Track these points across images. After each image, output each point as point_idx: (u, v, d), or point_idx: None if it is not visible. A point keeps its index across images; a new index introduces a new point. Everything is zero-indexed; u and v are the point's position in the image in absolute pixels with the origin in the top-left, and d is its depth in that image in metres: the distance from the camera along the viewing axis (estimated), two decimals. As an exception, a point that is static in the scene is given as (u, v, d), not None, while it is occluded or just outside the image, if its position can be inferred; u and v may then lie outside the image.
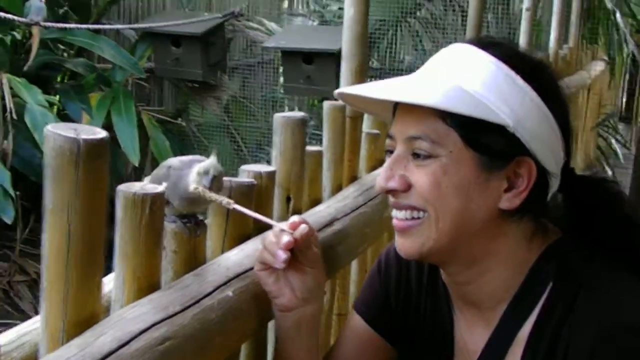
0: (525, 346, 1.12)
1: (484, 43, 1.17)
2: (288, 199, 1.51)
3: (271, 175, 1.40)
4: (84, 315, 0.96)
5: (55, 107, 5.20)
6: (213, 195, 1.15)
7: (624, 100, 9.38)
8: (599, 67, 6.32)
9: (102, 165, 0.95)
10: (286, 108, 6.28)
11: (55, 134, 0.92)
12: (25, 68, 4.98)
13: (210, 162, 1.17)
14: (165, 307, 1.01)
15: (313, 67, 5.38)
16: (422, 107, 1.09)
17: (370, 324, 1.32)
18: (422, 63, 1.21)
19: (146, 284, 1.06)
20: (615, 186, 1.23)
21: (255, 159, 5.94)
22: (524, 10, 4.05)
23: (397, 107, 1.16)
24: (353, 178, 1.84)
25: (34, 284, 4.79)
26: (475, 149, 1.09)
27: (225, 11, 6.21)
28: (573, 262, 1.13)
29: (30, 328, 1.23)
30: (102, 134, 0.95)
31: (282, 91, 6.02)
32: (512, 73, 1.12)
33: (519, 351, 1.12)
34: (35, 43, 4.94)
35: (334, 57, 4.62)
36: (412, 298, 1.29)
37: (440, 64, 1.17)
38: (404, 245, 1.16)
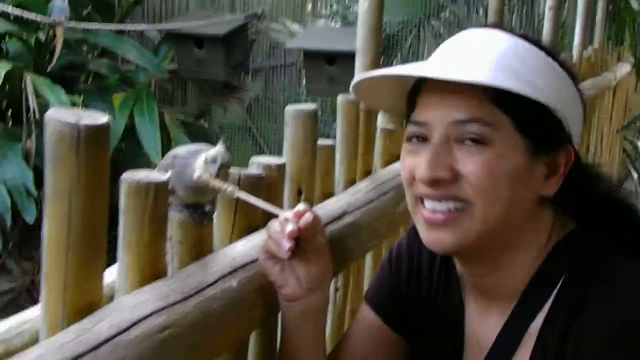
0: (537, 339, 1.09)
1: (503, 28, 1.14)
2: (299, 192, 1.49)
3: (281, 167, 1.38)
4: (84, 302, 0.95)
5: (79, 107, 5.23)
6: (217, 183, 1.14)
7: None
8: (624, 69, 6.24)
9: (104, 152, 0.94)
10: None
11: (55, 119, 0.91)
12: (48, 68, 5.03)
13: (218, 150, 1.15)
14: (166, 295, 1.00)
15: (335, 68, 5.37)
16: (467, 87, 1.03)
17: (381, 315, 1.30)
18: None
19: (150, 273, 1.05)
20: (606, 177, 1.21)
21: (277, 160, 5.92)
22: (547, 10, 4.00)
23: (423, 92, 1.10)
24: (367, 173, 1.82)
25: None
26: (525, 133, 1.05)
27: (248, 12, 6.23)
28: (587, 253, 1.10)
29: (32, 316, 1.23)
30: (103, 119, 0.94)
31: (304, 92, 6.01)
32: (548, 56, 1.10)
33: (530, 344, 1.10)
34: (58, 44, 4.98)
35: (356, 57, 4.61)
36: (423, 289, 1.27)
37: (466, 46, 1.11)
38: (441, 239, 1.08)
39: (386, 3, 5.91)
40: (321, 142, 1.58)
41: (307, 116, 1.48)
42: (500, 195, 1.05)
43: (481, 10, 5.67)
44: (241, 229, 1.28)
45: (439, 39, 5.78)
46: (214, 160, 1.14)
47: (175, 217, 1.15)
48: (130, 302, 0.97)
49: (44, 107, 4.56)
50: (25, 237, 5.14)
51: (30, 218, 4.43)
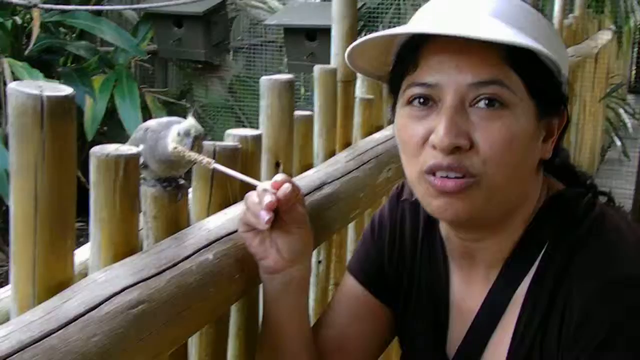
0: (523, 303, 1.08)
1: None
2: (277, 164, 1.47)
3: (257, 139, 1.36)
4: (54, 280, 0.92)
5: (58, 90, 5.16)
6: (193, 155, 1.12)
7: (634, 71, 9.27)
8: (605, 36, 6.23)
9: (69, 124, 0.92)
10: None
11: (18, 91, 0.88)
12: (26, 52, 4.96)
13: (189, 122, 1.12)
14: (139, 270, 0.98)
15: (316, 44, 5.33)
16: (481, 47, 0.97)
17: (365, 284, 1.28)
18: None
19: (123, 249, 1.03)
20: None
21: (260, 138, 5.90)
22: (526, -23, 3.97)
23: (425, 51, 1.02)
24: (347, 144, 1.80)
25: None
26: (535, 96, 1.02)
27: (227, -10, 6.16)
28: (571, 213, 1.08)
29: (3, 296, 1.20)
30: (67, 91, 0.91)
31: (287, 70, 5.97)
32: (539, 13, 1.07)
33: (517, 308, 1.09)
34: (35, 27, 4.91)
35: (337, 32, 4.57)
36: (406, 256, 1.25)
37: (464, 4, 1.05)
38: (454, 207, 1.03)
39: (365, -25, 5.81)
40: (299, 113, 1.56)
41: (283, 86, 1.45)
42: (512, 162, 1.01)
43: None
44: (218, 202, 1.26)
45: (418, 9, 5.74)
46: (187, 133, 1.11)
47: (148, 192, 1.13)
48: (102, 278, 0.94)
49: (22, 91, 4.50)
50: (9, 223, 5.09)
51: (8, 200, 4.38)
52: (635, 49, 8.63)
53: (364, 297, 1.28)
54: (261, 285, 1.31)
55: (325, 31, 5.40)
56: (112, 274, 0.96)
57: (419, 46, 1.03)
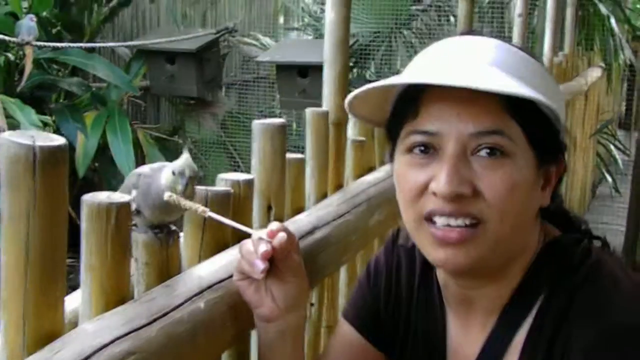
0: (522, 350, 1.07)
1: (481, 34, 1.11)
2: (269, 208, 1.47)
3: (249, 183, 1.36)
4: (44, 330, 0.91)
5: (50, 127, 5.17)
6: (187, 203, 1.11)
7: (623, 106, 9.35)
8: (595, 73, 6.29)
9: (61, 173, 0.91)
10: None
11: (10, 141, 0.88)
12: (18, 89, 4.97)
13: (184, 161, 1.11)
14: (130, 320, 0.97)
15: (308, 80, 5.37)
16: (482, 97, 0.97)
17: (360, 331, 1.27)
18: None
19: (114, 297, 1.02)
20: None
21: (252, 174, 5.90)
22: (516, 17, 4.02)
23: (426, 99, 1.02)
24: (339, 186, 1.80)
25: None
26: (535, 145, 1.02)
27: (219, 27, 6.21)
28: (569, 259, 1.08)
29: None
30: (59, 140, 0.91)
31: (279, 106, 6.00)
32: (538, 61, 1.08)
33: (515, 355, 1.07)
34: (28, 63, 4.94)
35: (329, 69, 4.60)
36: (402, 303, 1.24)
37: (464, 52, 1.05)
38: (456, 258, 1.02)
39: (357, 14, 5.91)
40: (290, 156, 1.56)
41: (275, 130, 1.46)
42: (514, 210, 1.01)
43: (452, 19, 5.68)
44: (210, 248, 1.25)
45: (410, 48, 5.80)
46: (182, 173, 1.11)
47: (140, 239, 1.13)
48: (92, 328, 0.94)
49: (14, 127, 4.50)
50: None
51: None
52: (625, 86, 8.71)
53: (359, 343, 1.27)
54: (253, 332, 1.30)
55: (317, 68, 5.44)
56: (102, 324, 0.95)
57: (419, 94, 1.03)
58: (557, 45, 5.39)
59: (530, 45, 5.09)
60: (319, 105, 1.80)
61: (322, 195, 1.72)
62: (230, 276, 1.17)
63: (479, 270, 1.07)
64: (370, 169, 2.01)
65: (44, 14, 5.41)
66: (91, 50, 5.41)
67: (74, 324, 1.02)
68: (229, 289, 1.15)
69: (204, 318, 1.08)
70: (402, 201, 1.08)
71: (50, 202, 0.90)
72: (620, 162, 6.94)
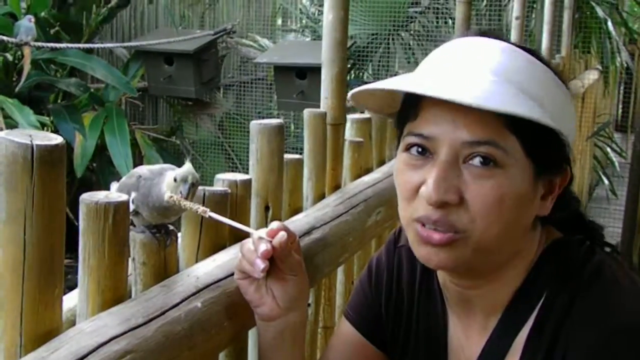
0: (522, 352, 1.07)
1: (493, 35, 1.08)
2: (267, 208, 1.47)
3: (247, 183, 1.36)
4: (42, 330, 0.92)
5: (48, 127, 5.17)
6: (188, 204, 1.12)
7: (620, 109, 9.36)
8: (592, 76, 6.30)
9: (59, 173, 0.92)
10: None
11: (7, 139, 0.88)
12: (17, 89, 4.97)
13: (187, 169, 1.12)
14: (127, 319, 0.97)
15: (306, 82, 5.37)
16: (482, 110, 0.96)
17: (361, 331, 1.27)
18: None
19: (112, 296, 1.03)
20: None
21: (250, 175, 5.90)
22: (513, 19, 4.03)
23: (425, 103, 1.02)
24: (336, 187, 1.81)
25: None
26: (532, 157, 1.02)
27: (217, 28, 6.21)
28: (570, 262, 1.08)
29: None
30: (57, 139, 0.91)
31: (276, 107, 6.00)
32: (548, 69, 1.05)
33: (516, 356, 1.07)
34: (26, 64, 4.93)
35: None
36: (403, 303, 1.24)
37: (469, 60, 1.04)
38: (439, 257, 1.03)
39: (355, 16, 5.90)
40: (288, 156, 1.56)
41: (273, 131, 1.46)
42: (501, 221, 1.01)
43: (450, 21, 5.69)
44: (207, 248, 1.25)
45: (408, 50, 5.80)
46: (184, 180, 1.11)
47: (137, 238, 1.13)
48: (89, 327, 0.94)
49: (12, 128, 4.50)
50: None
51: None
52: (622, 88, 8.72)
53: (359, 343, 1.27)
54: (250, 331, 1.30)
55: (315, 69, 5.45)
56: (99, 323, 0.95)
57: (420, 96, 1.02)
58: (554, 48, 5.40)
59: (528, 47, 5.08)
60: (317, 107, 1.81)
61: (320, 196, 1.72)
62: (228, 276, 1.18)
63: (468, 271, 1.08)
64: (368, 170, 2.02)
65: (43, 14, 5.41)
66: (89, 51, 5.41)
67: (72, 323, 1.02)
68: (226, 288, 1.16)
69: (201, 317, 1.08)
70: (399, 198, 1.09)
71: (48, 201, 0.90)
72: (617, 164, 6.94)
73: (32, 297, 0.90)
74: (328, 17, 1.77)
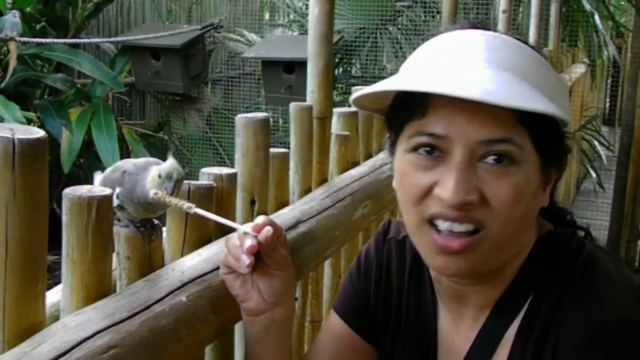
0: (513, 345, 1.06)
1: (485, 28, 1.06)
2: (252, 202, 1.47)
3: (232, 177, 1.35)
4: (25, 325, 0.91)
5: (35, 123, 5.14)
6: (174, 200, 1.11)
7: (607, 103, 9.40)
8: (579, 69, 6.32)
9: (41, 167, 0.91)
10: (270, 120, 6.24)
11: (-12, 133, 0.87)
12: (2, 84, 4.94)
13: (171, 165, 1.11)
14: (110, 314, 0.96)
15: (294, 77, 5.36)
16: (496, 106, 0.93)
17: (350, 324, 1.26)
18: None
19: (95, 291, 1.02)
20: None
21: (238, 170, 5.89)
22: (500, 13, 4.03)
23: (435, 101, 0.98)
24: (323, 180, 1.80)
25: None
26: (541, 152, 1.00)
27: (204, 23, 6.19)
28: (562, 255, 1.07)
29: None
30: (39, 133, 0.91)
31: (264, 102, 5.99)
32: (551, 67, 1.05)
33: (506, 350, 1.07)
34: (12, 59, 4.90)
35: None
36: (393, 296, 1.23)
37: (477, 55, 1.00)
38: (456, 265, 1.01)
39: (342, 10, 5.88)
40: (274, 150, 1.56)
41: (258, 125, 1.46)
42: (517, 217, 1.00)
43: (438, 16, 5.69)
44: (192, 242, 1.25)
45: (396, 44, 5.80)
46: (169, 177, 1.10)
47: (121, 232, 1.12)
48: (73, 322, 0.93)
49: (-2, 124, 4.46)
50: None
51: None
52: (609, 82, 8.76)
53: (348, 336, 1.26)
54: (237, 325, 1.30)
55: (303, 64, 5.41)
56: (83, 318, 0.95)
57: (426, 94, 0.98)
58: (542, 42, 5.41)
59: (515, 41, 5.09)
60: (305, 101, 1.80)
61: (306, 190, 1.72)
62: (213, 270, 1.17)
63: (478, 273, 1.06)
64: (355, 164, 2.01)
65: (28, 9, 5.38)
66: (76, 46, 5.37)
67: (57, 318, 1.01)
68: (211, 282, 1.15)
69: (186, 311, 1.08)
70: (403, 201, 1.05)
71: (30, 195, 0.89)
72: (604, 158, 6.98)
73: (14, 292, 0.90)
74: (314, 10, 1.76)
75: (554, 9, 5.59)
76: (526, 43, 1.06)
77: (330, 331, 1.29)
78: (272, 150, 1.53)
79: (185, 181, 1.23)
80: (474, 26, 1.07)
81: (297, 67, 5.28)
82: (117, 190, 1.14)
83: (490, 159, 0.98)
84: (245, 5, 6.71)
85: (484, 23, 1.11)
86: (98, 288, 1.02)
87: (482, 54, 1.00)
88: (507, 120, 0.96)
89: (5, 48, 5.09)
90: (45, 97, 5.54)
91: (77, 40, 5.51)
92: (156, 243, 1.16)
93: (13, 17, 4.73)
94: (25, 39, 4.90)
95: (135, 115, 6.57)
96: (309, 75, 1.80)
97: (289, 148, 1.68)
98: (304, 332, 1.75)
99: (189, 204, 1.12)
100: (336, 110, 1.98)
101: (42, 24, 5.60)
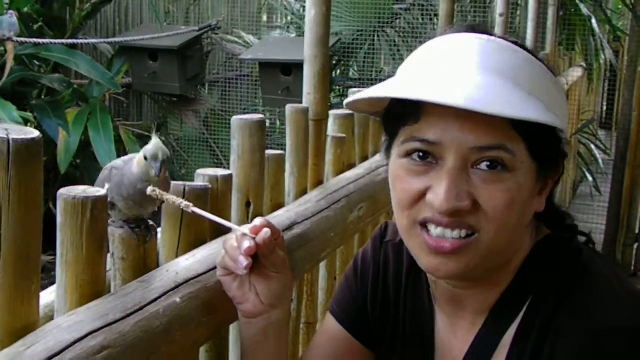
0: (510, 349, 1.06)
1: (483, 31, 1.05)
2: (248, 204, 1.47)
3: (228, 179, 1.36)
4: (19, 325, 0.91)
5: (31, 123, 5.14)
6: (170, 198, 1.11)
7: (604, 106, 9.40)
8: (576, 73, 6.32)
9: (36, 167, 0.91)
10: (267, 121, 6.25)
11: (-18, 134, 0.87)
12: (-1, 84, 4.94)
13: (155, 145, 1.10)
14: (104, 314, 0.97)
15: (291, 79, 5.36)
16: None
17: (346, 326, 1.26)
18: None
19: (90, 292, 1.02)
20: None
21: (235, 172, 5.89)
22: (498, 17, 4.03)
23: (428, 107, 0.98)
24: (319, 182, 1.80)
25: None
26: (537, 158, 1.01)
27: (202, 24, 6.19)
28: (560, 260, 1.07)
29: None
30: (34, 134, 0.91)
31: (261, 103, 5.99)
32: (547, 70, 1.04)
33: (503, 355, 1.07)
34: (9, 59, 4.89)
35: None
36: (390, 299, 1.23)
37: (471, 60, 0.99)
38: (448, 267, 1.01)
39: (340, 12, 5.86)
40: (270, 152, 1.56)
41: (254, 126, 1.46)
42: (511, 223, 1.00)
43: (435, 19, 5.69)
44: (187, 243, 1.25)
45: (393, 47, 5.81)
46: (154, 158, 1.10)
47: (116, 233, 1.12)
48: (66, 323, 0.93)
49: (-6, 124, 4.46)
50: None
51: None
52: (606, 85, 8.76)
53: (345, 339, 1.26)
54: (231, 327, 1.30)
55: (301, 66, 5.41)
56: (76, 318, 0.95)
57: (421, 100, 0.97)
58: (539, 45, 5.41)
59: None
60: (302, 103, 1.80)
61: (302, 192, 1.72)
62: (208, 271, 1.17)
63: (471, 276, 1.06)
64: (350, 166, 2.02)
65: (25, 9, 5.37)
66: (73, 46, 5.36)
67: (51, 319, 1.01)
68: (206, 283, 1.15)
69: (180, 313, 1.08)
70: (396, 204, 1.06)
71: (25, 196, 0.90)
72: (600, 161, 6.98)
73: (8, 292, 0.90)
74: (310, 12, 1.76)
75: (551, 12, 5.59)
76: (522, 46, 1.04)
77: (327, 334, 1.29)
78: (267, 152, 1.53)
79: (181, 182, 1.24)
80: (471, 28, 1.06)
81: (294, 69, 5.27)
82: (106, 186, 1.13)
83: (483, 166, 0.98)
84: (243, 7, 6.72)
85: (481, 26, 1.10)
86: (92, 288, 1.02)
87: (475, 59, 0.99)
88: (500, 127, 0.96)
89: (2, 48, 5.09)
90: (43, 97, 5.54)
91: (75, 41, 5.51)
92: (151, 244, 1.16)
93: (10, 18, 4.72)
94: (22, 39, 4.89)
95: (132, 116, 6.57)
96: (306, 77, 1.80)
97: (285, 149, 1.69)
98: (299, 334, 1.75)
99: (187, 203, 1.12)
100: (332, 112, 1.98)
101: (40, 24, 5.59)
